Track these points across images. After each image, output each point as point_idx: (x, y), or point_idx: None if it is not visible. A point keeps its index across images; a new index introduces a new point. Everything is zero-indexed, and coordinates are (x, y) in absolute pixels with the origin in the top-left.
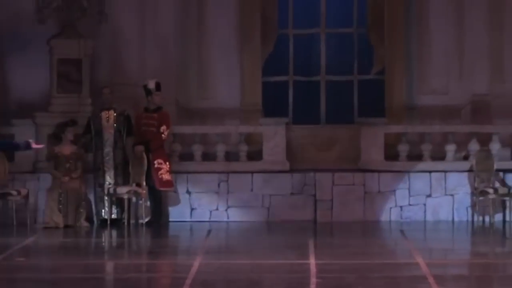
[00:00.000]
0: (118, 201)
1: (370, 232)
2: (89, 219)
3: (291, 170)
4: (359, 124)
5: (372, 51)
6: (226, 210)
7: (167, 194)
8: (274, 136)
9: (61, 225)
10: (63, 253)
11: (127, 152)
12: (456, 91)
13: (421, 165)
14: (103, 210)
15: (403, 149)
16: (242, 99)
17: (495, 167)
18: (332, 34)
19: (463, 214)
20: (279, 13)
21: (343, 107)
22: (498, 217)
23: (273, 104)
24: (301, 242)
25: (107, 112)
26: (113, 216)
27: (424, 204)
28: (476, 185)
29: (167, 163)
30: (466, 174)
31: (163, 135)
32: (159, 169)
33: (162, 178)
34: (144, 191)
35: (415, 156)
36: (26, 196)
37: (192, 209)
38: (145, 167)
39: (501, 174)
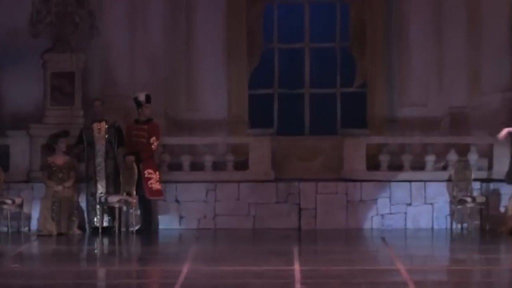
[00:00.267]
0: (109, 210)
1: (353, 240)
2: (82, 227)
3: (276, 180)
4: (342, 135)
5: (354, 65)
6: (213, 218)
7: (157, 202)
8: (259, 146)
9: (54, 232)
10: (56, 260)
11: (118, 162)
12: (435, 104)
13: (402, 175)
14: (95, 218)
15: (384, 159)
16: (229, 111)
17: (473, 176)
18: (315, 48)
19: (442, 222)
20: (264, 28)
21: (326, 118)
22: (476, 225)
23: (258, 116)
24: (286, 249)
25: (98, 124)
26: (105, 224)
27: (405, 213)
28: (454, 194)
29: (157, 173)
30: (445, 183)
31: (153, 146)
32: (149, 178)
33: (152, 187)
34: (135, 200)
35: (396, 166)
36: (21, 205)
37: (180, 217)
38: (136, 177)
39: (478, 183)
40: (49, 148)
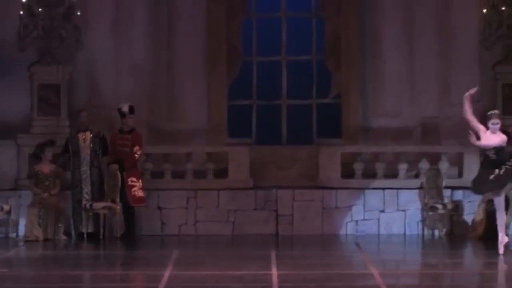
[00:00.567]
0: (94, 216)
1: (328, 245)
2: (67, 233)
3: (255, 187)
4: (318, 144)
5: (330, 76)
6: (194, 224)
7: (140, 209)
8: (238, 155)
9: (41, 238)
10: (43, 265)
11: (103, 170)
12: (408, 114)
13: (375, 183)
14: (80, 225)
15: (358, 167)
16: (209, 121)
17: (444, 184)
18: (292, 61)
19: (414, 228)
20: (243, 41)
21: (303, 128)
22: (446, 231)
23: (237, 126)
24: (264, 254)
25: (83, 134)
26: (90, 230)
27: (378, 219)
28: (426, 201)
29: (140, 180)
30: (417, 191)
31: (136, 155)
32: (133, 186)
33: (135, 194)
34: (119, 207)
35: (370, 174)
36: (9, 212)
37: (162, 224)
38: (120, 185)
39: (449, 191)
40: (36, 157)
